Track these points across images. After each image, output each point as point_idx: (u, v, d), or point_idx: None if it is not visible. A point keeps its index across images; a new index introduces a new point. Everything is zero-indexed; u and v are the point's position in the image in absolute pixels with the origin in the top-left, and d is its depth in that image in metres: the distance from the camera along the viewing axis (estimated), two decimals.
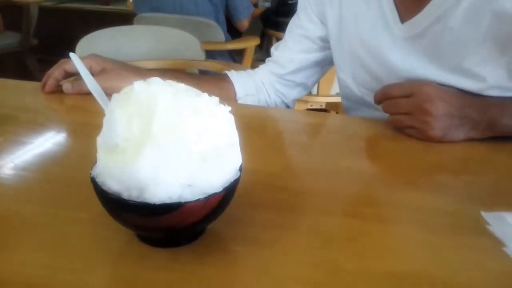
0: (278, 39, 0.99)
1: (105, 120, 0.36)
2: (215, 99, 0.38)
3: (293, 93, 0.96)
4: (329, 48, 0.90)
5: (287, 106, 0.99)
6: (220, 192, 0.36)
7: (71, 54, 0.42)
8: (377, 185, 0.55)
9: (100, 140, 0.37)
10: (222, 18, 2.14)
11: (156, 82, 0.35)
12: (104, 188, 0.35)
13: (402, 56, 0.73)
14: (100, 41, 1.27)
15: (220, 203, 0.37)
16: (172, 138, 0.33)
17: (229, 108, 0.38)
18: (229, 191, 0.37)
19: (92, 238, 0.41)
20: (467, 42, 0.67)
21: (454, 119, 0.66)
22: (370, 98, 0.83)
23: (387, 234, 0.44)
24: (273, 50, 0.97)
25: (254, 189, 0.50)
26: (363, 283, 0.37)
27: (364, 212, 0.48)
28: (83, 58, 0.80)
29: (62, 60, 0.81)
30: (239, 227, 0.44)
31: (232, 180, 0.37)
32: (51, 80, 0.80)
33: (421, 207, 0.49)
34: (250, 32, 2.36)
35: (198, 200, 0.34)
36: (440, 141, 0.67)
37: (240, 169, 0.39)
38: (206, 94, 0.38)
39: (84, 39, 1.20)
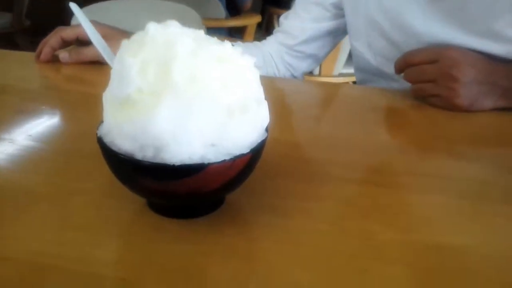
0: (280, 17, 0.94)
1: (113, 72, 0.31)
2: (239, 48, 0.33)
3: (303, 66, 0.91)
4: (342, 16, 0.84)
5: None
6: (247, 153, 0.31)
7: (72, 4, 0.37)
8: (400, 155, 0.51)
9: (107, 94, 0.32)
10: None
11: (174, 25, 0.30)
12: (114, 148, 0.30)
13: (425, 20, 0.68)
14: (96, 15, 1.20)
15: (246, 166, 0.32)
16: (195, 87, 0.28)
17: (254, 59, 0.33)
18: (256, 153, 0.33)
19: (100, 210, 0.37)
20: (495, 3, 0.63)
21: (482, 86, 0.61)
22: (387, 68, 0.78)
23: (417, 203, 0.40)
24: (282, 19, 0.91)
25: (273, 158, 0.45)
26: (402, 254, 0.33)
27: (389, 181, 0.44)
28: (81, 26, 0.74)
29: (59, 28, 0.75)
30: (260, 197, 0.39)
31: (259, 140, 0.33)
32: (47, 48, 0.74)
33: (452, 176, 0.45)
34: (249, 9, 2.29)
35: (223, 161, 0.30)
36: (466, 110, 0.62)
37: (267, 129, 0.34)
38: (228, 42, 0.33)
39: None
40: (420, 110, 0.65)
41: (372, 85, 0.85)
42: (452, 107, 0.63)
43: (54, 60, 0.76)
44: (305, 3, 0.86)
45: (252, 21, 1.94)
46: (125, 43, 0.31)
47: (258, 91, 0.33)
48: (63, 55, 0.75)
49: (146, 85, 0.29)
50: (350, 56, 2.39)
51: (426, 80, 0.64)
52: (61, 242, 0.33)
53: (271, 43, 0.91)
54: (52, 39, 0.73)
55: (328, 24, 0.86)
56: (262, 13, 2.54)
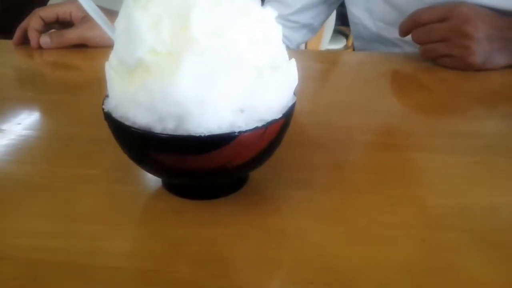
0: None
1: (117, 34, 0.27)
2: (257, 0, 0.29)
3: (298, 36, 0.87)
4: None
5: None
6: (280, 118, 0.27)
7: None
8: (421, 118, 0.48)
9: (113, 61, 0.27)
10: None
11: None
12: (127, 123, 0.26)
13: None
14: None
15: (278, 134, 0.28)
16: (218, 44, 0.24)
17: (276, 12, 0.29)
18: (288, 119, 0.29)
19: (109, 197, 0.33)
20: None
21: (495, 42, 0.58)
22: (388, 33, 0.75)
23: (454, 165, 0.37)
24: None
25: (294, 126, 0.42)
26: (458, 219, 0.30)
27: (417, 144, 0.41)
28: (61, 4, 0.68)
29: (36, 9, 0.69)
30: (287, 171, 0.36)
31: (290, 104, 0.29)
32: (32, 32, 0.68)
33: (480, 135, 0.42)
34: None
35: (256, 128, 0.26)
36: (480, 68, 0.59)
37: (295, 92, 0.30)
38: None
39: None
40: (429, 73, 0.61)
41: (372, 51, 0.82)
42: (465, 66, 0.60)
43: (26, 43, 0.70)
44: None
45: None
46: None
47: (283, 49, 0.29)
48: (44, 39, 0.69)
49: (161, 43, 0.24)
50: (335, 32, 2.36)
51: (436, 39, 0.60)
52: (67, 235, 0.28)
53: None
54: (32, 21, 0.67)
55: None
56: None
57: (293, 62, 0.29)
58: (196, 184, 0.31)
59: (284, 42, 0.90)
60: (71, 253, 0.27)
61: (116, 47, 0.27)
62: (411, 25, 0.63)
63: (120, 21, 0.26)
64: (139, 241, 0.29)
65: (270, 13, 0.28)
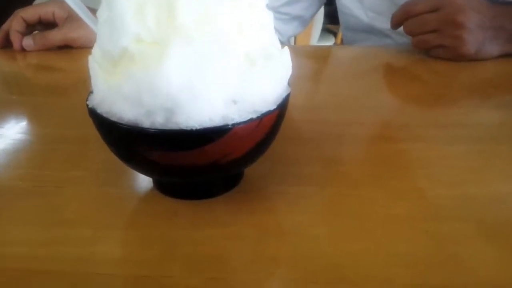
0: None
1: (100, 24, 0.25)
2: None
3: (289, 29, 0.86)
4: None
5: None
6: (274, 110, 0.26)
7: None
8: (415, 110, 0.47)
9: (96, 54, 0.26)
10: None
11: None
12: (113, 119, 0.24)
13: None
14: None
15: (273, 126, 0.27)
16: (207, 31, 0.23)
17: None
18: (283, 110, 0.27)
19: (98, 200, 0.31)
20: None
21: (488, 31, 0.58)
22: (380, 24, 0.74)
23: (452, 155, 0.36)
24: None
25: (288, 121, 0.40)
26: (459, 209, 0.29)
27: (414, 136, 0.40)
28: (43, 5, 0.66)
29: (17, 11, 0.67)
30: (282, 166, 0.34)
31: (284, 95, 0.27)
32: (14, 34, 0.65)
33: (476, 124, 0.42)
34: None
35: (250, 120, 0.24)
36: (473, 58, 0.59)
37: (289, 82, 0.29)
38: None
39: None
40: (422, 64, 0.61)
41: (362, 43, 0.81)
42: (458, 57, 0.59)
43: (9, 46, 0.68)
44: None
45: None
46: None
47: (275, 37, 0.28)
48: (27, 42, 0.67)
49: (147, 31, 0.23)
50: (323, 30, 2.36)
51: (428, 30, 0.59)
52: (55, 242, 0.27)
53: None
54: (14, 23, 0.65)
55: None
56: None
57: (286, 50, 0.27)
58: (189, 183, 0.30)
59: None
60: (59, 261, 0.25)
61: (99, 38, 0.25)
62: (403, 16, 0.62)
63: (102, 9, 0.25)
64: (130, 245, 0.27)
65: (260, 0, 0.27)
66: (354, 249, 0.25)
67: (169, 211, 0.29)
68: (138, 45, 0.23)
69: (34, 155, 0.38)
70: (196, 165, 0.25)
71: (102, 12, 0.25)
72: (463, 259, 0.24)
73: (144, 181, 0.33)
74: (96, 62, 0.26)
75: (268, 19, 0.27)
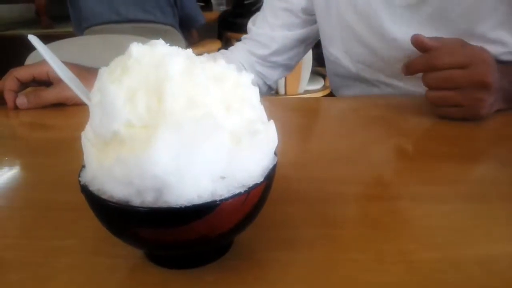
0: (238, 41, 0.91)
1: (93, 106, 0.26)
2: (233, 65, 0.29)
3: (275, 74, 0.89)
4: (313, 23, 0.82)
5: (270, 87, 0.91)
6: (261, 182, 0.27)
7: (30, 37, 0.32)
8: (405, 165, 0.48)
9: (89, 133, 0.27)
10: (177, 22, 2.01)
11: (160, 44, 0.26)
12: (104, 197, 0.25)
13: (402, 27, 0.66)
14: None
15: (261, 197, 0.28)
16: (194, 114, 0.24)
17: (252, 75, 0.30)
18: (270, 181, 0.28)
19: (87, 271, 0.31)
20: (478, 6, 0.61)
21: (499, 92, 0.55)
22: (369, 74, 0.76)
23: (440, 214, 0.37)
24: (250, 25, 0.88)
25: (278, 181, 0.41)
26: (448, 275, 0.29)
27: (404, 193, 0.41)
28: (37, 64, 0.68)
29: (11, 70, 0.69)
30: (272, 230, 0.35)
31: (271, 166, 0.28)
32: (8, 94, 0.67)
33: (466, 181, 0.43)
34: (206, 35, 2.27)
35: (238, 195, 0.25)
36: (481, 119, 0.57)
37: (276, 152, 0.30)
38: (220, 59, 0.29)
39: (34, 53, 1.07)
40: (411, 118, 0.62)
41: (349, 90, 0.82)
42: (470, 117, 0.56)
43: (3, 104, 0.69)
44: (274, 9, 0.83)
45: (212, 47, 1.92)
46: (104, 69, 0.26)
47: (261, 111, 0.29)
48: (21, 100, 0.68)
49: (137, 116, 0.24)
50: (312, 73, 2.42)
51: (452, 87, 0.54)
52: None
53: (240, 51, 0.86)
54: (8, 82, 0.66)
55: (299, 32, 0.83)
56: (219, 38, 2.53)
57: (271, 124, 0.29)
58: (178, 254, 0.30)
59: (261, 79, 0.89)
60: None
61: (91, 118, 0.27)
62: (424, 68, 0.56)
63: (95, 93, 0.26)
64: None
65: (245, 77, 0.29)
66: None
67: (159, 282, 0.29)
68: (128, 129, 0.24)
69: (22, 223, 0.38)
70: (186, 239, 0.26)
71: (95, 95, 0.26)
72: None
73: (134, 249, 0.33)
74: (88, 140, 0.27)
75: (253, 95, 0.29)
